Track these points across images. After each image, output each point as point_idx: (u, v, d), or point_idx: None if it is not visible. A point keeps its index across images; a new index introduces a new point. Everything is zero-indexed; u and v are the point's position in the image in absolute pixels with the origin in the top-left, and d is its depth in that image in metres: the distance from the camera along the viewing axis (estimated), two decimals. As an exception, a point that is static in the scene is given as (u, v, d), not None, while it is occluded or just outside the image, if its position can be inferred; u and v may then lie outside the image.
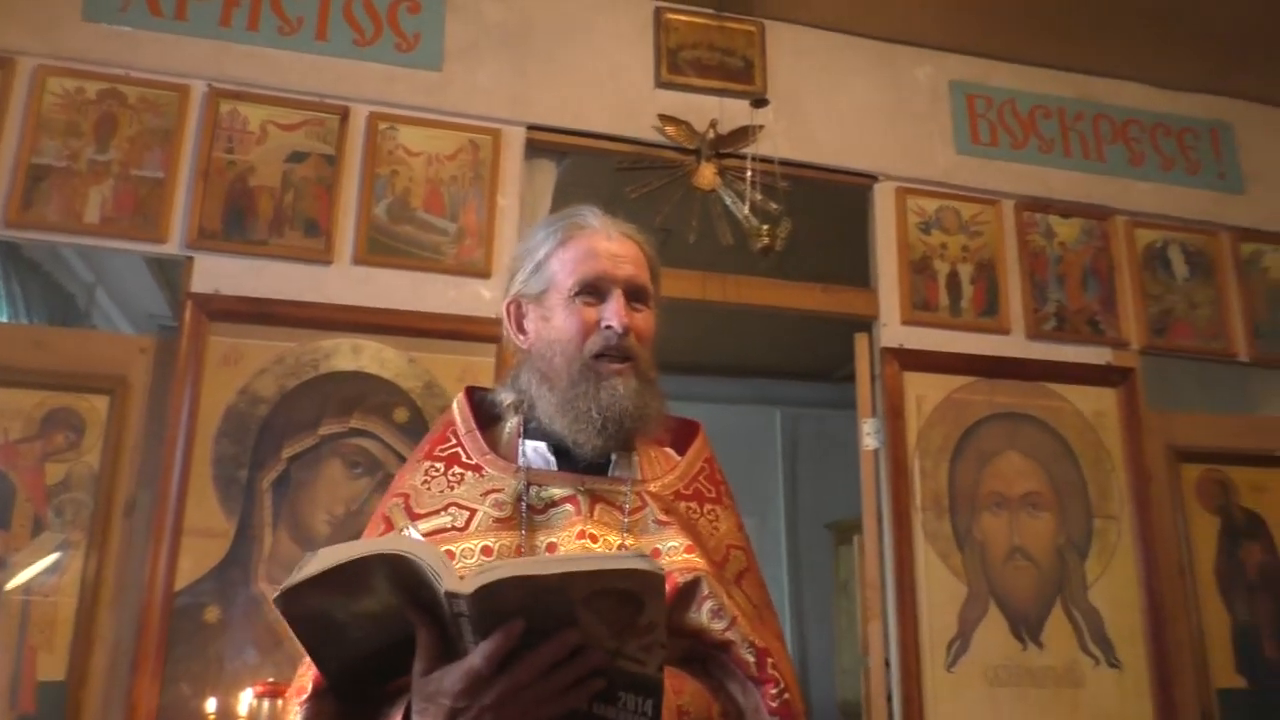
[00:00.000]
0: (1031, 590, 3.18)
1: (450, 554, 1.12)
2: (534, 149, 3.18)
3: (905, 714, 2.97)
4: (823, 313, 3.40)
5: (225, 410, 2.70)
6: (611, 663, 0.94)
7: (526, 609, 0.90)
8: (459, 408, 1.31)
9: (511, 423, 1.28)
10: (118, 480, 2.62)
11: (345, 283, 2.88)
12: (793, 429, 7.09)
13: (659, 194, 3.23)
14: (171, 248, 2.79)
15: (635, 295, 1.27)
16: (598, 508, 1.21)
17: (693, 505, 1.28)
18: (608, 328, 1.23)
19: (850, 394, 3.37)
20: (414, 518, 1.18)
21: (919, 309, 3.35)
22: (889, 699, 3.05)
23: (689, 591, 1.17)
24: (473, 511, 1.18)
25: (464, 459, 1.24)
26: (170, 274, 3.92)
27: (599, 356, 1.22)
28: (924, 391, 3.27)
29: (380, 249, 2.92)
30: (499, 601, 0.89)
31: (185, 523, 2.59)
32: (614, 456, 1.25)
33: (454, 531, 1.16)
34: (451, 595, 0.89)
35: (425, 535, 1.15)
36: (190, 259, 2.79)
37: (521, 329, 1.30)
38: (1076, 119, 3.70)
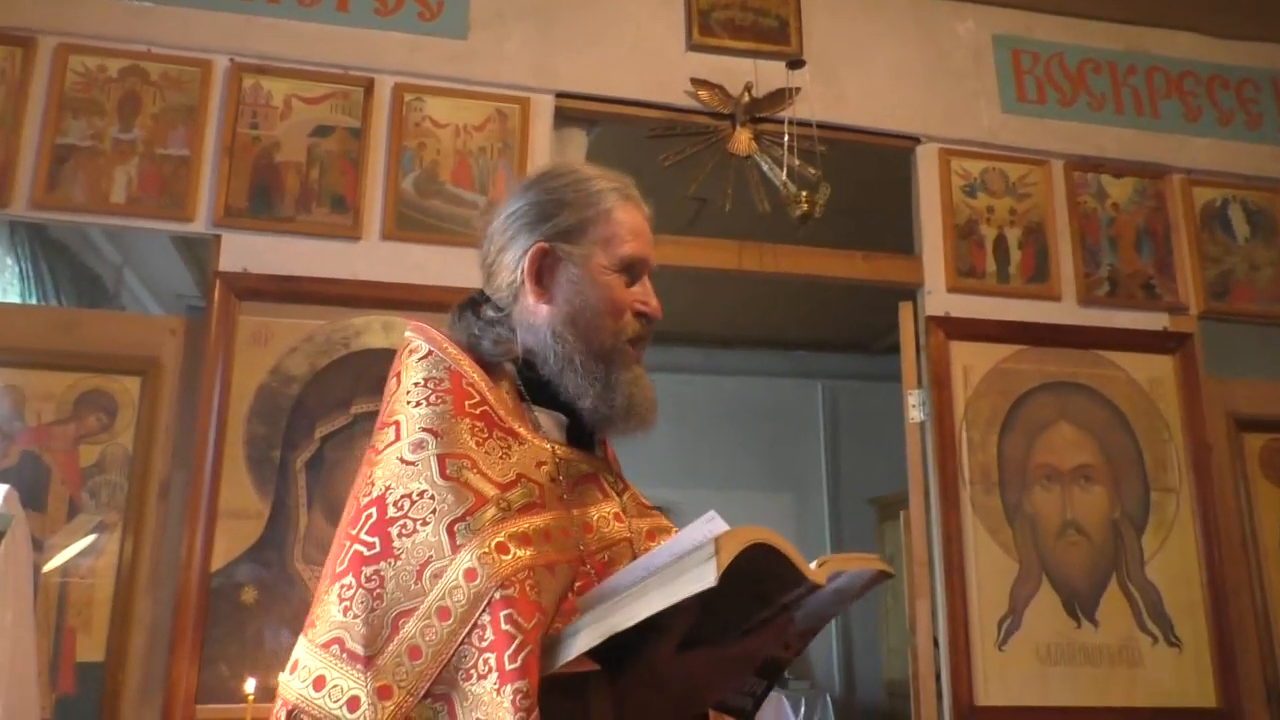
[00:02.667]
0: (1085, 566, 3.15)
1: (545, 532, 1.07)
2: (563, 117, 3.17)
3: (954, 693, 2.97)
4: (864, 281, 3.37)
5: (257, 390, 2.74)
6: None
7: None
8: (450, 354, 1.17)
9: (504, 378, 1.20)
10: (151, 462, 2.68)
11: (374, 259, 2.90)
12: (834, 403, 7.06)
13: (692, 161, 3.21)
14: (198, 226, 2.82)
15: (650, 279, 1.27)
16: (608, 487, 1.21)
17: (631, 488, 1.29)
18: (642, 315, 1.21)
19: (894, 366, 3.35)
20: (499, 487, 1.07)
21: (965, 275, 3.32)
22: (937, 678, 3.05)
23: None
24: (540, 486, 1.10)
25: (499, 421, 1.13)
26: (198, 253, 3.97)
27: (630, 341, 1.20)
28: (971, 361, 3.25)
29: (409, 224, 2.94)
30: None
31: (220, 504, 2.64)
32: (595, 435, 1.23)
33: (536, 507, 1.08)
34: (814, 587, 0.94)
35: (520, 509, 1.06)
36: (217, 237, 2.82)
37: (539, 282, 1.20)
38: (1128, 73, 3.63)
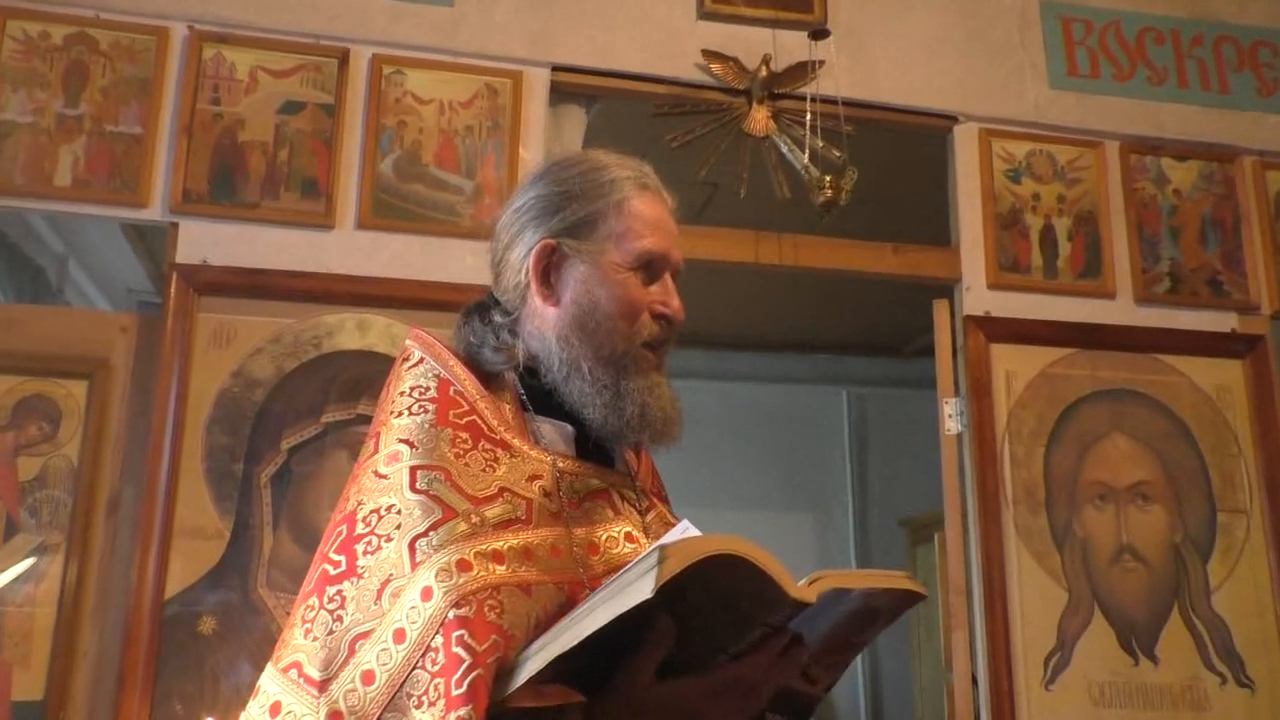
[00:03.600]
0: (1143, 595, 3.13)
1: (529, 550, 1.09)
2: (560, 93, 3.17)
3: (995, 737, 2.96)
4: (895, 276, 3.37)
5: (217, 395, 2.73)
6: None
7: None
8: (443, 361, 1.21)
9: (506, 386, 1.23)
10: (99, 475, 2.67)
11: (348, 250, 2.90)
12: (861, 411, 7.05)
13: (704, 142, 3.20)
14: (153, 213, 2.82)
15: (676, 277, 1.28)
16: (623, 505, 1.23)
17: (663, 507, 1.32)
18: (663, 317, 1.23)
19: (928, 371, 3.34)
20: (472, 501, 1.09)
21: (1008, 270, 3.31)
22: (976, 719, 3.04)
23: None
24: (529, 501, 1.12)
25: (488, 431, 1.16)
26: (152, 243, 3.96)
27: (646, 345, 1.22)
28: (1015, 366, 3.24)
29: (387, 211, 2.93)
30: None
31: (175, 523, 2.63)
32: (615, 448, 1.27)
33: (519, 524, 1.10)
34: (798, 604, 0.95)
35: (497, 524, 1.09)
36: (174, 225, 2.81)
37: (546, 282, 1.23)
38: (1194, 43, 3.62)
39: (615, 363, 1.20)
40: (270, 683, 1.05)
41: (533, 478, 1.14)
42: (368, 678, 1.00)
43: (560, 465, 1.18)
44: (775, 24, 3.29)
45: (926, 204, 3.49)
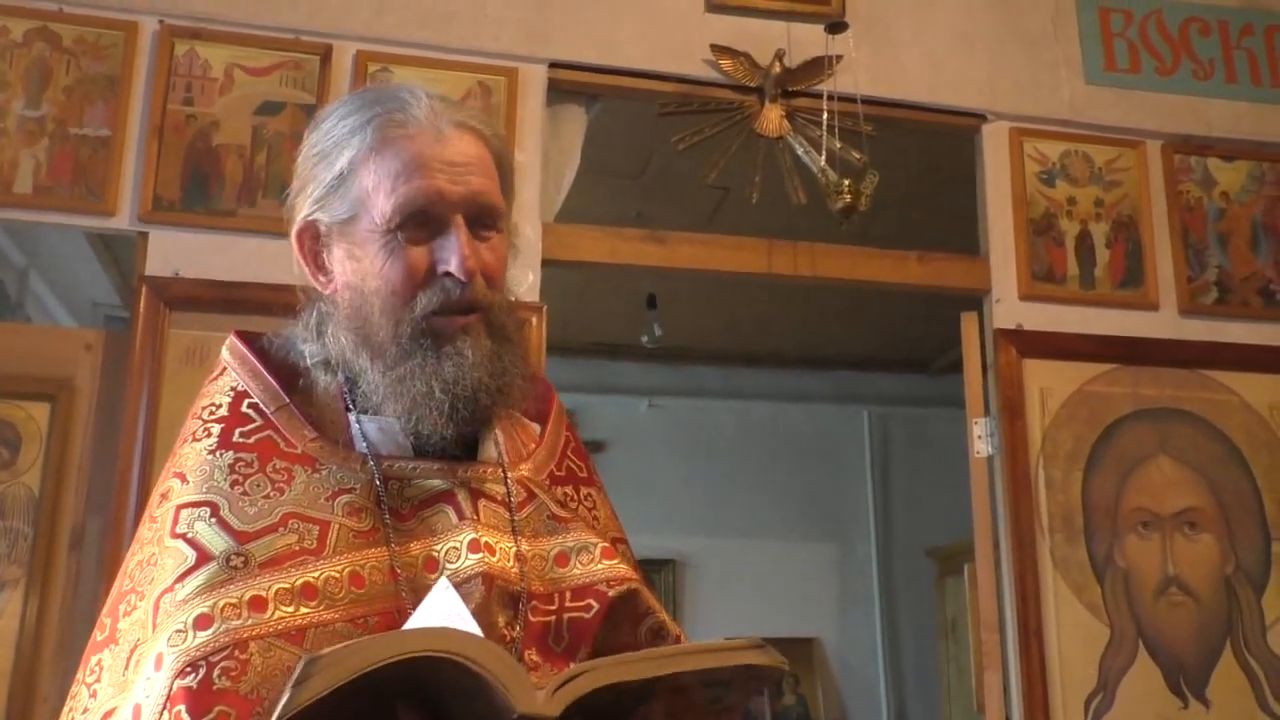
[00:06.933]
0: (1192, 632, 3.13)
1: (311, 586, 1.01)
2: (558, 91, 3.18)
3: (1032, 787, 2.95)
4: (920, 288, 3.37)
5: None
6: None
7: (590, 708, 0.90)
8: (246, 367, 1.16)
9: (327, 386, 1.16)
10: (61, 505, 2.66)
11: (330, 261, 2.90)
12: (884, 432, 7.04)
13: (713, 143, 3.21)
14: (120, 222, 2.82)
15: (481, 218, 1.14)
16: (480, 504, 1.13)
17: (568, 490, 1.24)
18: (446, 275, 1.11)
19: (956, 389, 3.33)
20: (239, 537, 1.02)
21: (1041, 280, 3.31)
22: (1011, 768, 3.02)
23: (625, 608, 1.15)
24: (324, 524, 1.05)
25: (283, 448, 1.09)
26: (119, 254, 3.98)
27: (435, 313, 1.11)
28: (1049, 384, 3.24)
29: (372, 218, 2.94)
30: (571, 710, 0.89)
31: (143, 556, 2.62)
32: (480, 434, 1.17)
33: (305, 555, 1.02)
34: (528, 718, 0.86)
35: (266, 562, 1.01)
36: (143, 235, 2.82)
37: (320, 266, 1.18)
38: (1243, 34, 3.62)
39: (399, 346, 1.11)
40: None
41: (337, 494, 1.07)
42: None
43: (392, 470, 1.11)
44: (789, 16, 3.30)
45: (953, 209, 3.49)
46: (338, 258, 1.16)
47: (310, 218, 1.17)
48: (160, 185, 2.84)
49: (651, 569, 6.04)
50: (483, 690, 0.87)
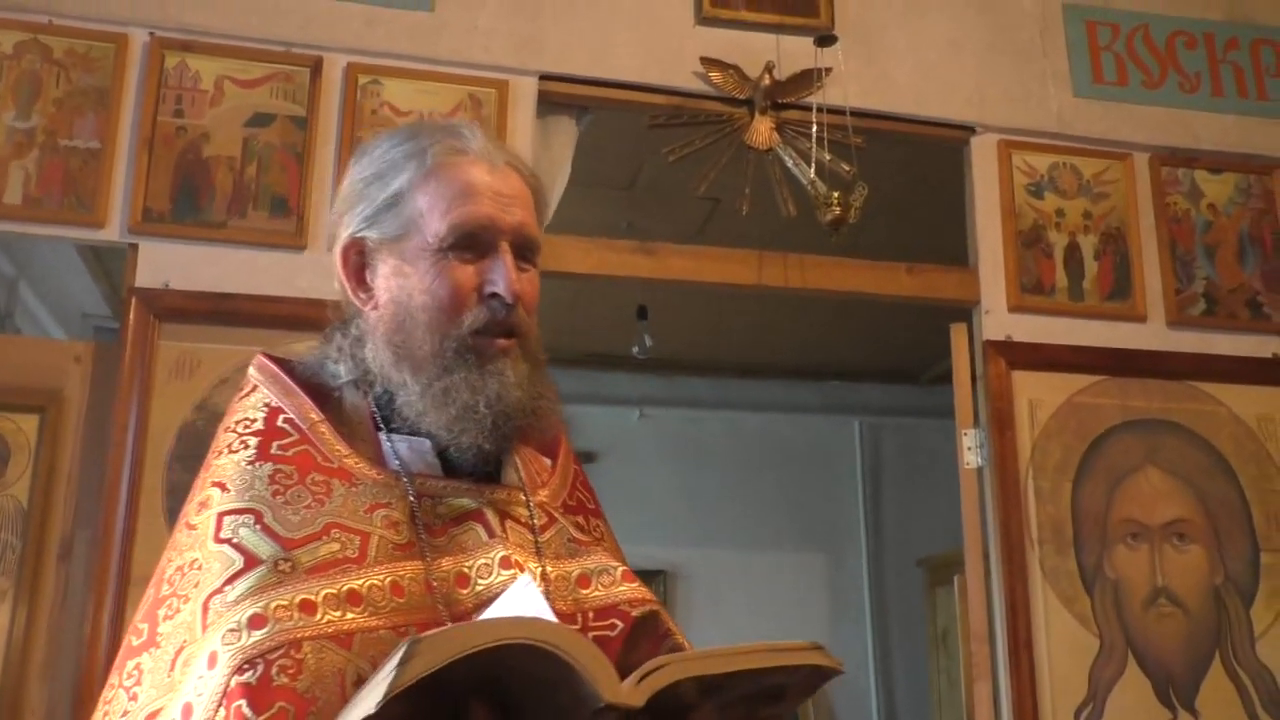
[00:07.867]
0: (1181, 643, 3.13)
1: (355, 593, 1.03)
2: (548, 103, 3.18)
3: (1022, 798, 2.95)
4: (909, 299, 3.38)
5: (179, 430, 2.72)
6: None
7: (654, 705, 0.92)
8: (279, 384, 1.19)
9: (356, 405, 1.19)
10: (50, 517, 2.65)
11: (321, 272, 2.89)
12: (875, 442, 7.05)
13: (703, 155, 3.22)
14: (110, 233, 2.82)
15: (523, 249, 1.19)
16: (507, 525, 1.16)
17: (579, 519, 1.27)
18: (493, 296, 1.15)
19: (945, 399, 3.34)
20: (285, 544, 1.04)
21: (1030, 292, 3.32)
22: (1001, 779, 3.02)
23: (645, 629, 1.17)
24: (364, 535, 1.07)
25: (320, 461, 1.12)
26: (109, 265, 3.97)
27: (479, 332, 1.15)
28: (1038, 395, 3.24)
29: (362, 230, 2.94)
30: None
31: (133, 569, 2.60)
32: (503, 459, 1.21)
33: (348, 563, 1.05)
34: (613, 708, 0.88)
35: (312, 568, 1.04)
36: (133, 247, 2.81)
37: (363, 283, 1.21)
38: (1228, 47, 3.64)
39: (443, 361, 1.14)
40: None
41: (375, 507, 1.10)
42: None
43: (424, 488, 1.14)
44: (779, 29, 3.31)
45: (942, 221, 3.50)
46: (383, 274, 1.19)
47: (358, 234, 1.20)
48: (150, 197, 2.84)
49: (643, 580, 6.01)
50: (567, 681, 0.89)
